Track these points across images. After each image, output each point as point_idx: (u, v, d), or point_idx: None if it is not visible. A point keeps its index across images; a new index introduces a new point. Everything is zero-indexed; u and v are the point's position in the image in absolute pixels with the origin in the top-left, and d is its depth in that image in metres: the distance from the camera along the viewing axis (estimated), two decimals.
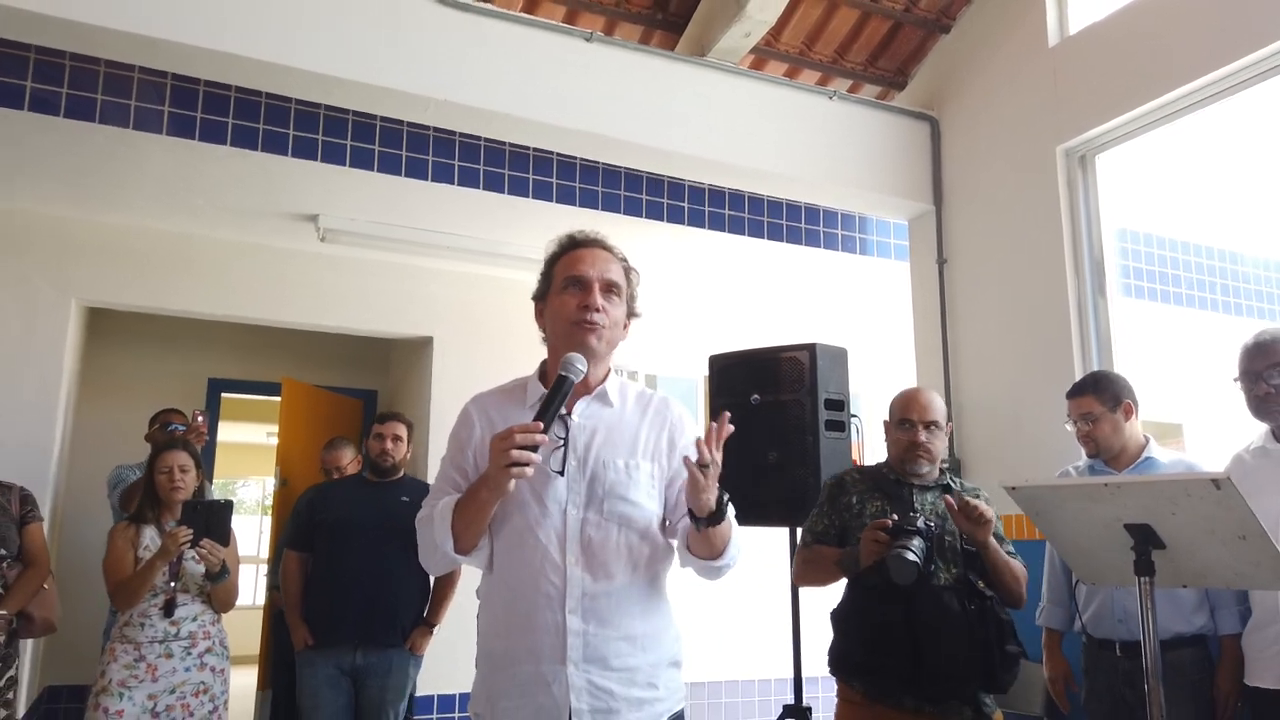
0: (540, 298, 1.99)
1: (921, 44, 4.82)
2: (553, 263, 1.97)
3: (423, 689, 4.51)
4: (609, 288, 1.91)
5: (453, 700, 5.05)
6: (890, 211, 4.95)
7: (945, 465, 4.39)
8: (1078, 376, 3.90)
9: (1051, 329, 4.08)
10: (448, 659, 4.23)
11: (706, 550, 1.83)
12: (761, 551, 4.45)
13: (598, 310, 1.87)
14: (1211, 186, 5.45)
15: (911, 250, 4.96)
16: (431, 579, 3.85)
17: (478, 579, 1.97)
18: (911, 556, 2.37)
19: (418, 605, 3.79)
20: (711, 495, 1.74)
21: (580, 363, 1.79)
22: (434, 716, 5.04)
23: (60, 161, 4.04)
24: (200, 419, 4.53)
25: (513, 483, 1.71)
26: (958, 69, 4.71)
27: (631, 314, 1.98)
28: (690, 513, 1.78)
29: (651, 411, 1.94)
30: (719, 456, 1.74)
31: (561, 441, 1.81)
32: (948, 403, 4.48)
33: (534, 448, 1.67)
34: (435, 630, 3.83)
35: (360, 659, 3.65)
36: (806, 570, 2.83)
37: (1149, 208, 5.49)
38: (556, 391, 1.74)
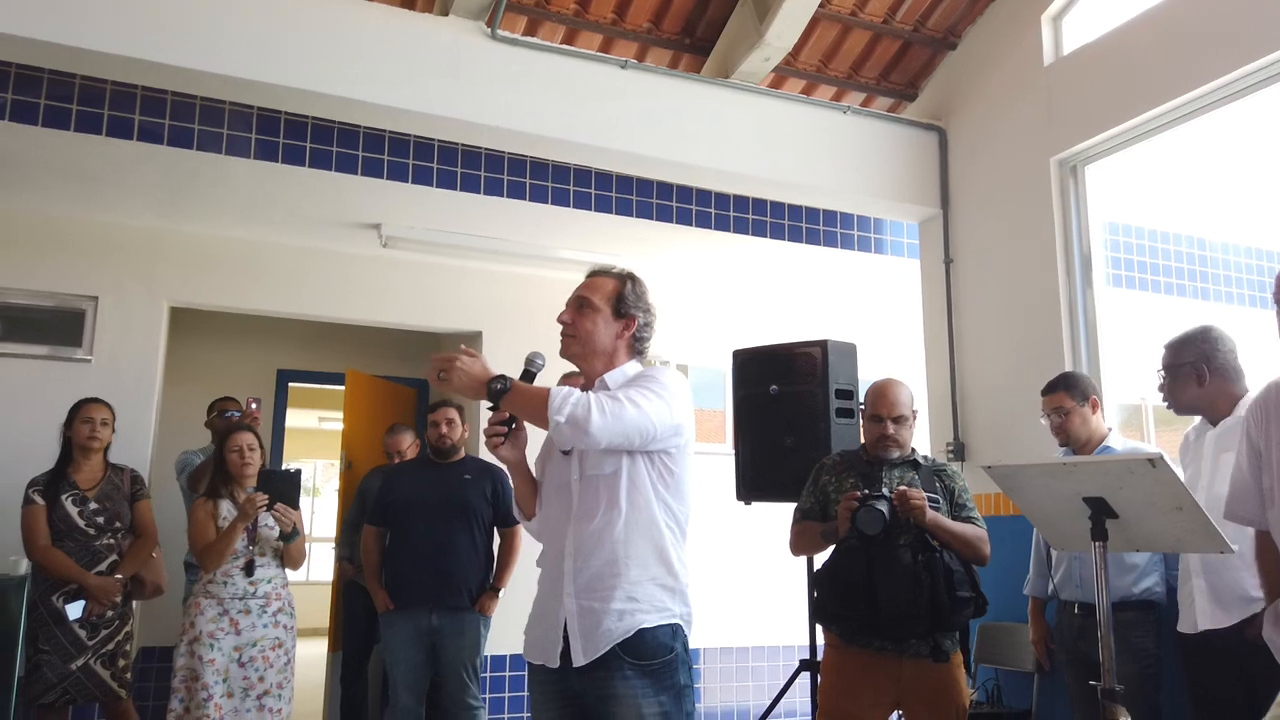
0: None
1: (930, 59, 5.22)
2: None
3: (494, 648, 4.97)
4: (578, 304, 2.39)
5: (521, 660, 5.57)
6: (901, 216, 5.38)
7: (950, 446, 4.82)
8: (1067, 364, 4.33)
9: (1044, 321, 4.49)
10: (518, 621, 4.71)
11: (530, 420, 2.20)
12: (780, 525, 4.92)
13: (564, 323, 2.39)
14: (1195, 179, 5.79)
15: (921, 250, 5.37)
16: (495, 548, 4.35)
17: (537, 548, 2.45)
18: (879, 508, 2.89)
19: (483, 572, 4.26)
20: (457, 385, 2.16)
21: (539, 358, 2.33)
22: (503, 674, 5.57)
23: (157, 181, 4.57)
24: (254, 406, 5.04)
25: (508, 453, 2.31)
26: (963, 84, 5.10)
27: (619, 315, 2.39)
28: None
29: (630, 378, 2.34)
30: (446, 365, 2.17)
31: None
32: (952, 390, 4.94)
33: (501, 423, 2.25)
34: (501, 594, 4.31)
35: (435, 621, 4.13)
36: (799, 541, 3.31)
37: (1134, 202, 5.85)
38: (524, 380, 2.29)
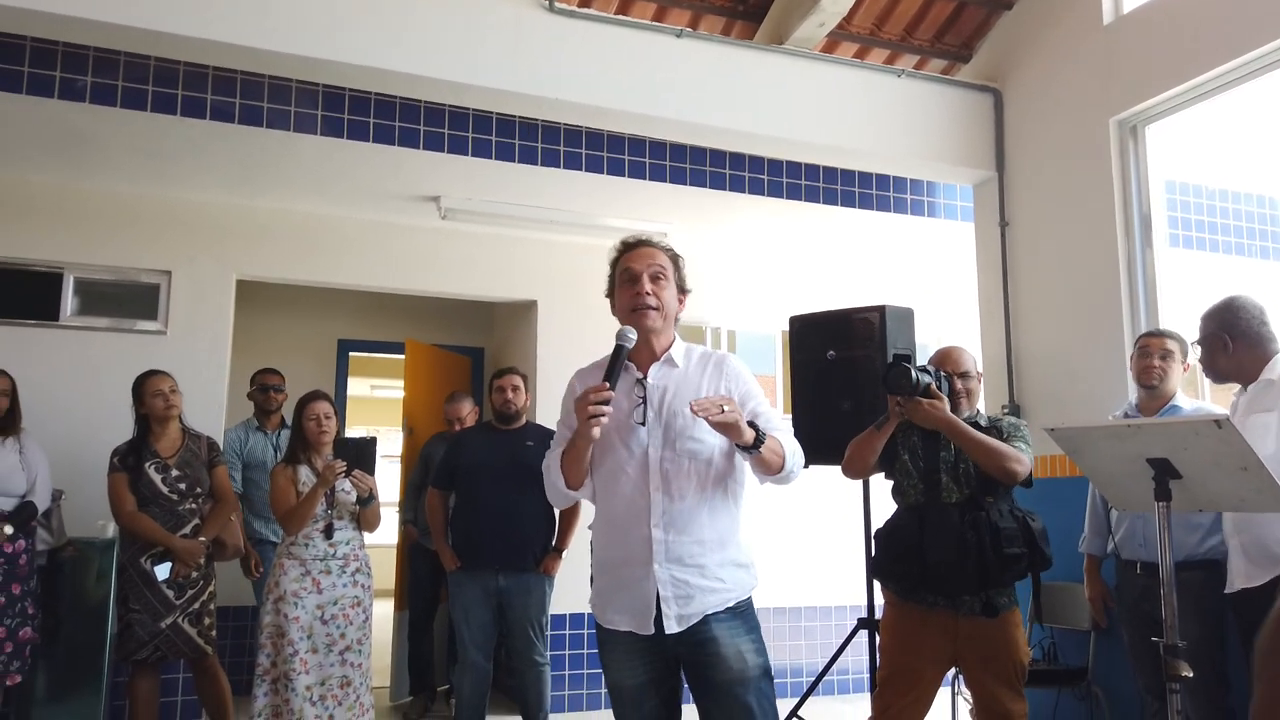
0: (610, 294, 2.53)
1: (985, 20, 5.17)
2: (614, 265, 2.51)
3: (557, 608, 5.09)
4: (656, 276, 2.41)
5: (582, 619, 5.74)
6: (955, 179, 5.37)
7: (1006, 409, 4.85)
8: (1127, 327, 4.33)
9: (1103, 285, 4.48)
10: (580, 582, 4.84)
11: (764, 469, 2.34)
12: (836, 489, 5.00)
13: (648, 294, 2.39)
14: (1260, 135, 5.66)
15: (976, 213, 5.36)
16: (557, 511, 4.46)
17: (594, 514, 2.52)
18: (908, 366, 2.95)
19: (546, 533, 4.40)
20: (736, 432, 2.21)
21: (631, 333, 2.34)
22: (563, 632, 5.74)
23: (228, 158, 4.71)
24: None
25: (598, 430, 2.24)
26: (1019, 44, 5.06)
27: (682, 290, 2.48)
28: (738, 445, 2.28)
29: (711, 367, 2.43)
30: (720, 414, 2.16)
31: (641, 399, 2.37)
32: (1008, 353, 4.96)
33: (605, 401, 2.21)
34: (564, 555, 4.44)
35: (502, 581, 4.29)
36: (854, 450, 3.21)
37: (1195, 160, 5.75)
38: (615, 357, 2.31)
